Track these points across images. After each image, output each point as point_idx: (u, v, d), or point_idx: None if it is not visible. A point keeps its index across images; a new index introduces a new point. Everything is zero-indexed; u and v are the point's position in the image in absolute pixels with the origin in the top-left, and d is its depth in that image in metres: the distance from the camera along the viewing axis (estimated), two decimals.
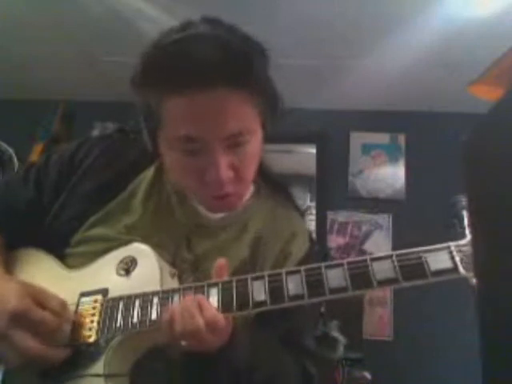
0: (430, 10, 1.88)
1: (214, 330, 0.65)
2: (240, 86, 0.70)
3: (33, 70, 2.54)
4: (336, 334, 2.09)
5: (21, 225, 0.86)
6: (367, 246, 2.61)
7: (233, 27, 0.74)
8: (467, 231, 0.68)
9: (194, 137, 0.71)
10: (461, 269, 0.63)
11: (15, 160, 2.71)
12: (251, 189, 0.90)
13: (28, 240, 0.86)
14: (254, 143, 0.76)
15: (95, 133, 2.55)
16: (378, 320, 2.50)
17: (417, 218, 2.55)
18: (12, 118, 2.69)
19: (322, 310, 2.02)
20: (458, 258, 0.64)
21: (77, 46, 2.33)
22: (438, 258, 0.64)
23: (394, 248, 2.56)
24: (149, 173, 0.87)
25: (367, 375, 2.13)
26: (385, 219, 2.62)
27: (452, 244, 0.65)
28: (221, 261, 0.71)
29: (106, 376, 0.68)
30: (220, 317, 0.66)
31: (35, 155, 2.51)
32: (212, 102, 0.68)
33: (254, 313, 0.69)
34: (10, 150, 2.73)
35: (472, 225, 0.42)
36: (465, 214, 0.72)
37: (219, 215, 0.85)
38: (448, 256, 0.64)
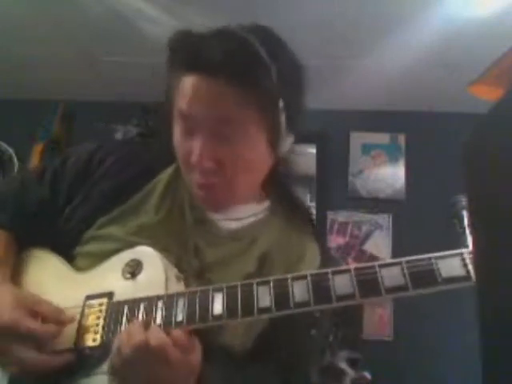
0: (430, 9, 1.88)
1: (170, 346, 0.63)
2: (243, 86, 0.71)
3: (33, 70, 2.53)
4: (344, 365, 2.00)
5: (33, 224, 0.87)
6: (367, 246, 2.61)
7: (273, 39, 0.78)
8: (467, 231, 0.67)
9: (186, 113, 0.74)
10: (474, 277, 0.59)
11: (15, 160, 2.70)
12: (265, 205, 0.90)
13: (39, 240, 0.86)
14: (248, 147, 0.76)
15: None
16: (378, 320, 2.50)
17: (417, 218, 2.55)
18: (12, 118, 2.69)
19: (330, 339, 1.98)
20: (471, 266, 0.61)
21: (77, 46, 2.33)
22: (450, 265, 0.61)
23: (394, 248, 2.56)
24: (165, 175, 0.87)
25: (367, 375, 2.12)
26: (385, 219, 2.62)
27: (465, 250, 0.62)
28: None
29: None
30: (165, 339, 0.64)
31: (35, 155, 2.51)
32: (212, 87, 0.72)
33: (258, 318, 0.68)
34: (10, 150, 2.72)
35: (472, 225, 0.42)
36: (465, 214, 0.71)
37: (229, 226, 0.85)
38: (460, 263, 0.61)
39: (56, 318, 0.72)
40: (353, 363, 2.09)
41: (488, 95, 1.36)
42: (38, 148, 2.55)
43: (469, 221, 0.64)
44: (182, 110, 0.75)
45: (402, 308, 2.47)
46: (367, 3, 1.90)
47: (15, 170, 2.68)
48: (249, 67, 0.72)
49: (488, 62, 1.33)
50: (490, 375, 0.38)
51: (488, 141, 0.41)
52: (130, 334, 0.65)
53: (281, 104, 0.75)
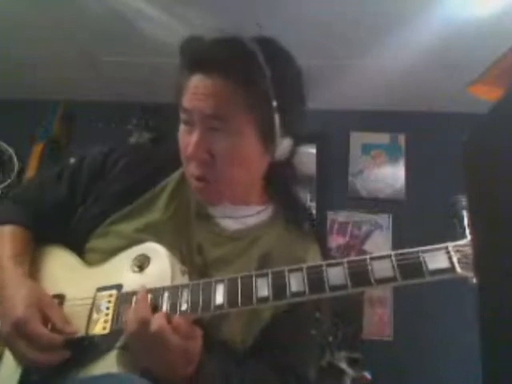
0: (430, 10, 1.88)
1: (172, 331, 0.66)
2: (237, 85, 0.77)
3: (33, 70, 2.54)
4: (343, 365, 2.02)
5: (50, 223, 0.92)
6: (367, 246, 2.61)
7: (274, 48, 0.83)
8: (467, 231, 0.68)
9: (187, 108, 0.81)
10: (458, 269, 0.64)
11: (15, 160, 2.71)
12: (268, 208, 0.93)
13: (53, 237, 0.91)
14: (241, 142, 0.81)
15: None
16: (378, 320, 2.50)
17: (417, 218, 2.55)
18: (12, 118, 2.69)
19: (330, 339, 1.97)
20: (455, 258, 0.64)
21: (77, 47, 2.33)
22: (436, 258, 0.65)
23: (394, 248, 2.56)
24: (173, 178, 0.92)
25: (367, 375, 2.13)
26: (385, 219, 2.62)
27: (450, 244, 0.66)
28: None
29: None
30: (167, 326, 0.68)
31: (35, 155, 2.51)
32: (209, 84, 0.79)
33: (257, 307, 0.71)
34: (10, 150, 2.73)
35: (472, 225, 0.42)
36: (465, 213, 0.72)
37: (232, 226, 0.89)
38: (446, 256, 0.65)
39: (62, 328, 0.75)
40: (353, 363, 2.09)
41: (488, 95, 1.36)
42: (37, 148, 2.55)
43: (469, 221, 0.65)
44: (184, 106, 0.81)
45: (402, 308, 2.47)
46: (367, 3, 1.90)
47: (15, 170, 2.69)
48: (244, 69, 0.78)
49: (488, 62, 1.33)
50: (490, 375, 0.39)
51: (488, 141, 0.41)
52: (136, 310, 0.70)
53: (274, 105, 0.79)
